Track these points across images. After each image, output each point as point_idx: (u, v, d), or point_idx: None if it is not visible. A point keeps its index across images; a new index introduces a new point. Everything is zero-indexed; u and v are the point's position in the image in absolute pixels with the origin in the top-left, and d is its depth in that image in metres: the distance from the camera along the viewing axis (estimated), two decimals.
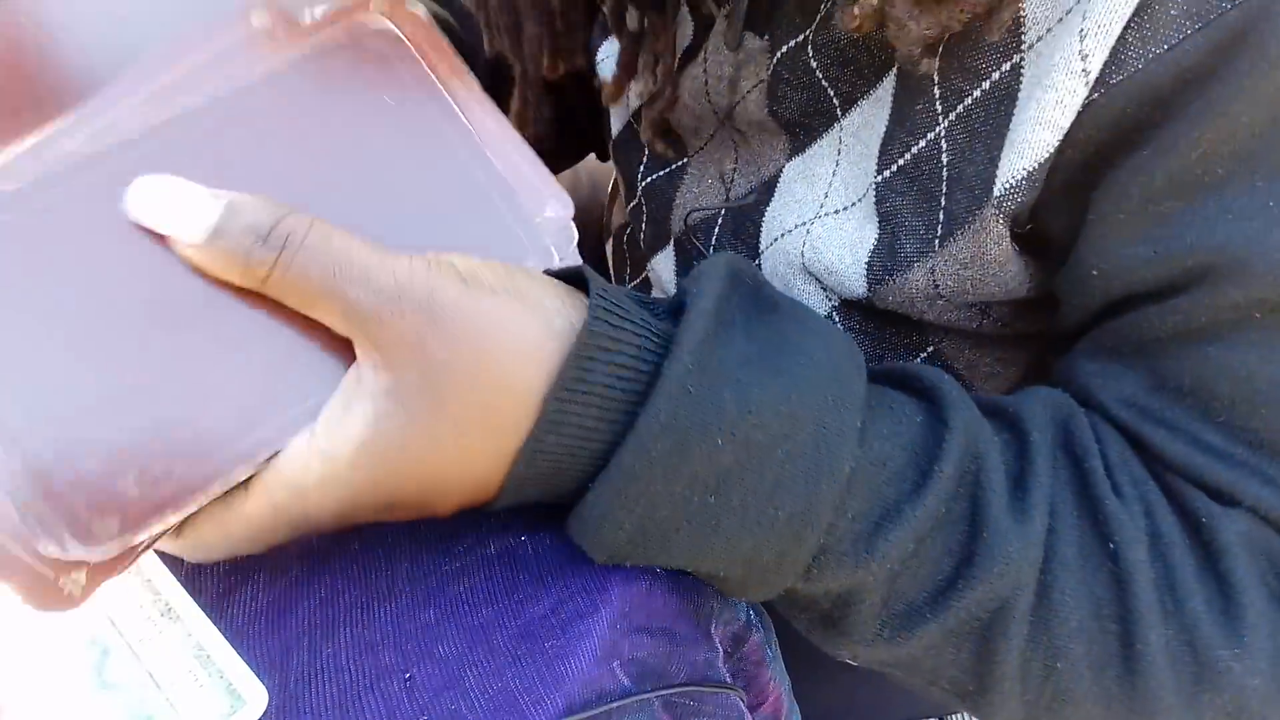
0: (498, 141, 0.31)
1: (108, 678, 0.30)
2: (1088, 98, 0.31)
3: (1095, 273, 0.34)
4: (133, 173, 0.26)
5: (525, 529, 0.34)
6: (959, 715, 0.94)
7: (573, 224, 0.32)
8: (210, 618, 0.31)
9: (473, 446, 0.27)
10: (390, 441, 0.26)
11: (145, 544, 0.26)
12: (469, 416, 0.26)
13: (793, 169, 0.45)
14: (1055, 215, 0.35)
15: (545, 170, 0.32)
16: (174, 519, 0.26)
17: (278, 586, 0.33)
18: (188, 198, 0.25)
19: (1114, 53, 0.30)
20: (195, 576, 0.32)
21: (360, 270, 0.25)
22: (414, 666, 0.30)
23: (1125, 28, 0.30)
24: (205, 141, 0.28)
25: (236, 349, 0.26)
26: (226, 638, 0.31)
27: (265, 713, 0.30)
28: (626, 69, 0.47)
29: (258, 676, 0.30)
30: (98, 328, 0.25)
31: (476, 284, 0.26)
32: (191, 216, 0.25)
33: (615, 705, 0.31)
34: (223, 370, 0.26)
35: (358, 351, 0.26)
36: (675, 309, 0.30)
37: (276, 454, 0.27)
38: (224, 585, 0.33)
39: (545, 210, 0.31)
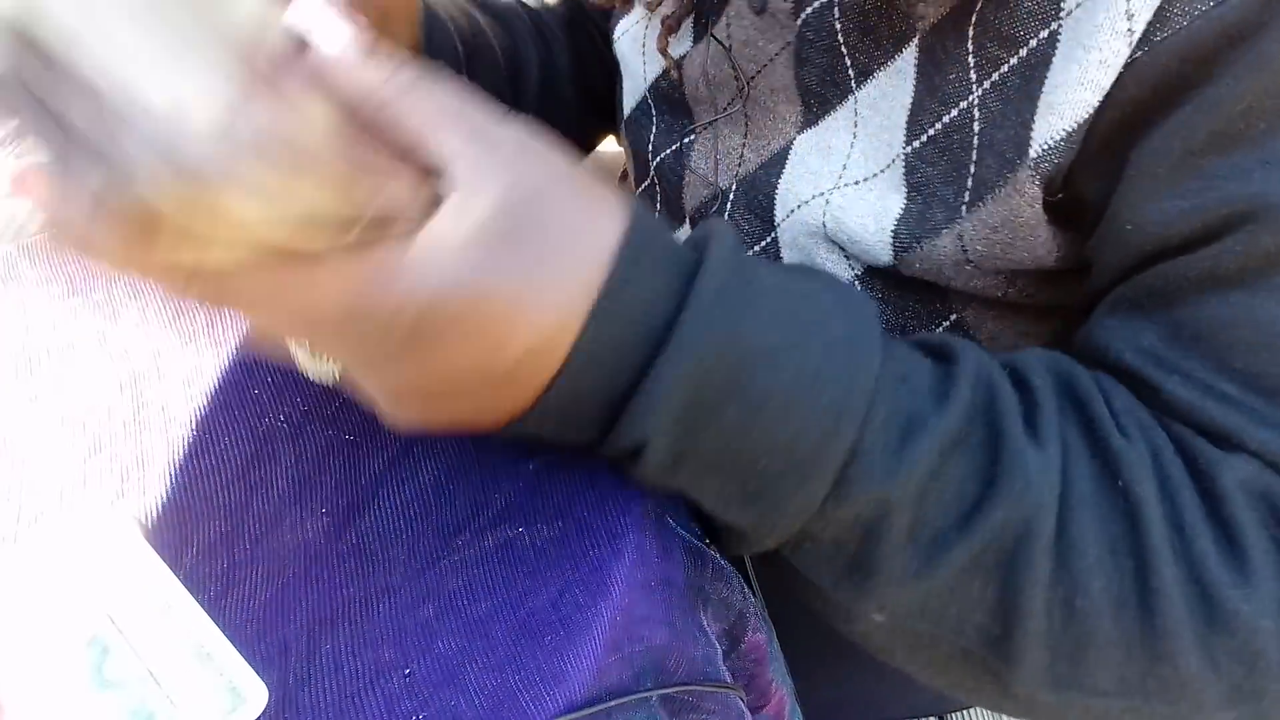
0: None
1: (108, 676, 0.30)
2: (1130, 56, 0.32)
3: (1130, 227, 0.34)
4: None
5: (523, 522, 0.34)
6: (958, 715, 0.94)
7: None
8: (209, 615, 0.31)
9: (542, 280, 0.27)
10: (493, 246, 0.26)
11: None
12: (543, 249, 0.27)
13: (804, 141, 0.46)
14: (1091, 177, 0.36)
15: None
16: None
17: (276, 584, 0.33)
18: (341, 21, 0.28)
19: (1158, 11, 0.31)
20: (195, 576, 0.32)
21: (481, 109, 0.27)
22: (413, 662, 0.31)
23: None
24: None
25: None
26: (226, 635, 0.31)
27: (265, 709, 0.30)
28: None
29: (257, 674, 0.30)
30: None
31: (556, 153, 0.29)
32: (342, 33, 0.27)
33: (615, 704, 0.32)
34: None
35: (460, 177, 0.26)
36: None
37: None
38: (223, 584, 0.33)
39: None
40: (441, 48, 0.56)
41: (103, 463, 0.36)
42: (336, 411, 0.38)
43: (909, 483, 0.29)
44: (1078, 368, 0.34)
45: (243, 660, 0.30)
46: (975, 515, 0.30)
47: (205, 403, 0.38)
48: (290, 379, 0.39)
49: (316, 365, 0.32)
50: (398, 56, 0.27)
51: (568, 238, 0.27)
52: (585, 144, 0.74)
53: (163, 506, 0.35)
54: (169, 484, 0.36)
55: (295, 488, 0.35)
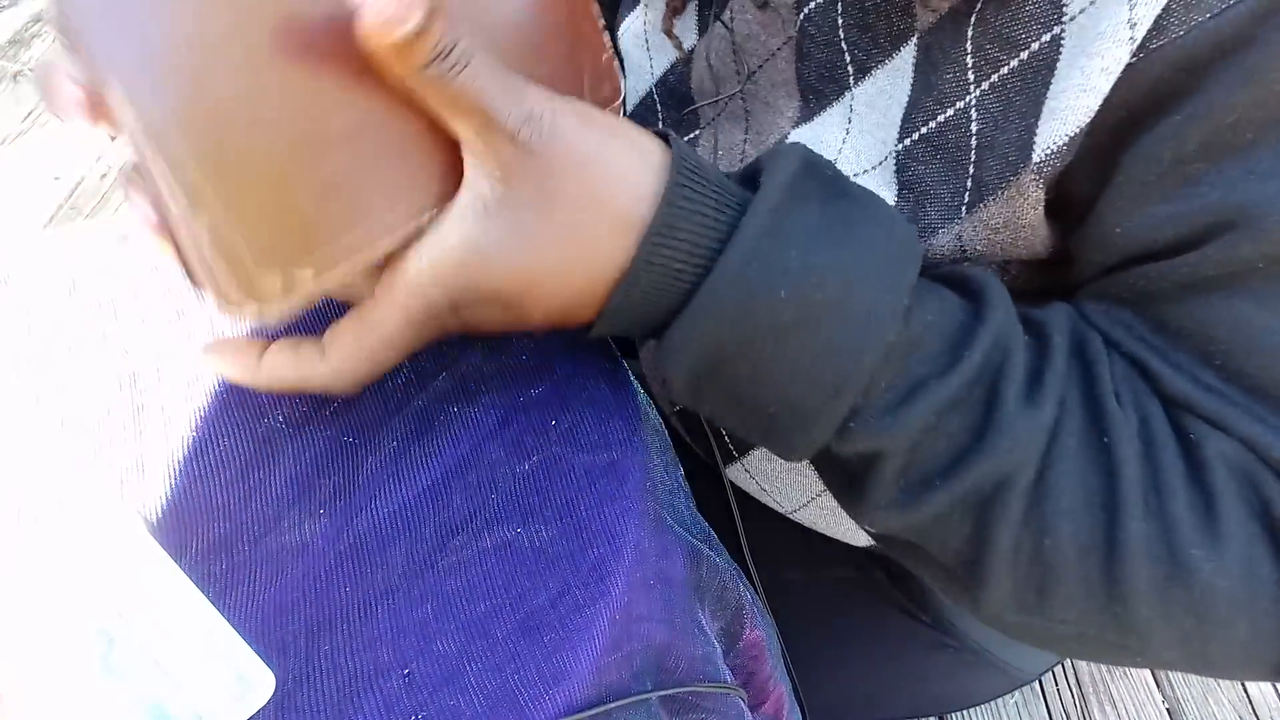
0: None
1: (114, 665, 0.30)
2: (1128, 63, 0.32)
3: (1118, 230, 0.35)
4: None
5: (521, 521, 0.34)
6: (959, 715, 0.94)
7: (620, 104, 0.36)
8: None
9: (570, 260, 0.30)
10: (497, 244, 0.30)
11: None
12: (572, 231, 0.30)
13: (799, 136, 0.46)
14: (1079, 178, 0.36)
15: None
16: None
17: (275, 585, 0.33)
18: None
19: (1157, 20, 0.31)
20: (194, 577, 0.32)
21: (513, 90, 0.28)
22: (412, 662, 0.31)
23: None
24: None
25: (367, 142, 0.29)
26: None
27: (263, 710, 0.30)
28: None
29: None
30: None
31: (590, 121, 0.30)
32: (402, 13, 0.27)
33: (615, 705, 0.32)
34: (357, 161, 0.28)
35: (479, 164, 0.29)
36: (747, 176, 0.33)
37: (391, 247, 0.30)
38: (222, 584, 0.33)
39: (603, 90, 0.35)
40: None
41: (103, 463, 0.36)
42: (335, 412, 0.38)
43: (901, 437, 0.32)
44: (1094, 334, 0.36)
45: (248, 648, 0.30)
46: (960, 466, 0.32)
47: (205, 404, 0.38)
48: None
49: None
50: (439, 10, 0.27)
51: (579, 230, 0.30)
52: None
53: (162, 507, 0.35)
54: (169, 485, 0.36)
55: (294, 489, 0.35)
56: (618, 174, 0.30)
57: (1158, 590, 0.31)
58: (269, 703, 0.30)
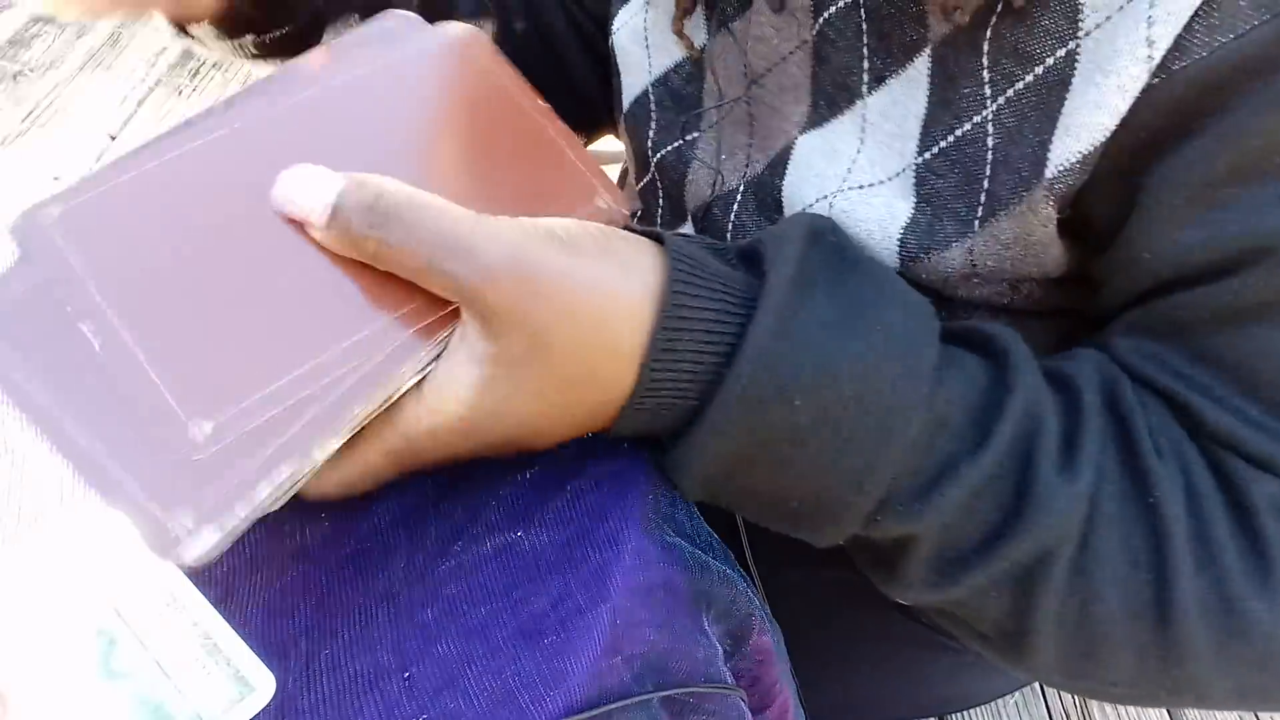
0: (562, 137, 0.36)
1: (115, 667, 0.30)
2: (1147, 83, 0.32)
3: (1147, 255, 0.35)
4: (258, 149, 0.30)
5: (522, 526, 0.34)
6: (959, 715, 0.94)
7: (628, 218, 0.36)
8: None
9: (574, 401, 0.30)
10: (494, 401, 0.28)
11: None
12: (571, 375, 0.29)
13: (808, 142, 0.46)
14: (1099, 200, 0.36)
15: (601, 171, 0.36)
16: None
17: (275, 588, 0.33)
18: (311, 179, 0.28)
19: (1178, 40, 0.31)
20: (195, 579, 0.32)
21: (464, 246, 0.27)
22: (412, 666, 0.31)
23: (1194, 15, 0.30)
24: (320, 128, 0.31)
25: (353, 309, 0.29)
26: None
27: (264, 712, 0.30)
28: None
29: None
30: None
31: (576, 249, 0.28)
32: (315, 198, 0.27)
33: (616, 706, 0.31)
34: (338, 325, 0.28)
35: (465, 318, 0.28)
36: (748, 256, 0.32)
37: (392, 399, 0.29)
38: (222, 587, 0.33)
39: (597, 201, 0.35)
40: None
41: None
42: None
43: (933, 521, 0.31)
44: (1124, 379, 0.34)
45: (250, 650, 0.30)
46: (997, 542, 0.31)
47: None
48: None
49: None
50: (373, 189, 0.27)
51: (578, 370, 0.29)
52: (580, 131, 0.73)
53: None
54: None
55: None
56: (610, 308, 0.29)
57: (1216, 648, 0.30)
58: (269, 705, 0.30)
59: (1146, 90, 0.32)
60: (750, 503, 0.33)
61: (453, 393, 0.28)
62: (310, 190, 0.28)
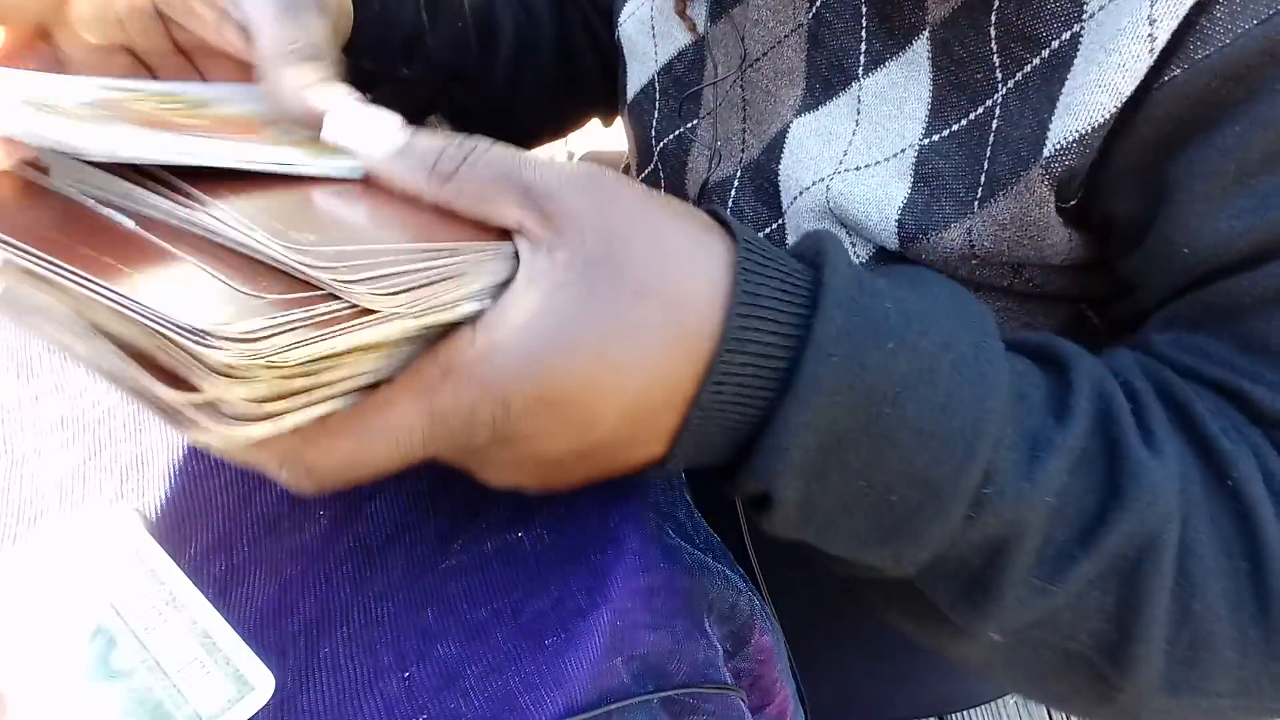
0: None
1: (114, 666, 0.30)
2: (1169, 74, 0.32)
3: (1186, 250, 0.34)
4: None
5: (522, 526, 0.34)
6: (959, 715, 0.94)
7: None
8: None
9: (650, 322, 0.25)
10: (560, 311, 0.24)
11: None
12: (648, 286, 0.25)
13: (802, 125, 0.46)
14: (1122, 195, 0.36)
15: None
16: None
17: (275, 587, 0.33)
18: (380, 122, 0.28)
19: (1198, 27, 0.31)
20: (193, 578, 0.32)
21: (541, 159, 0.26)
22: (412, 665, 0.30)
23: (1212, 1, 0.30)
24: None
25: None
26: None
27: (263, 711, 0.30)
28: None
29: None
30: None
31: (647, 190, 0.27)
32: (383, 138, 0.27)
33: (616, 707, 0.31)
34: None
35: (530, 240, 0.25)
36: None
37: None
38: (221, 585, 0.33)
39: None
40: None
41: (103, 463, 0.36)
42: None
43: (1040, 503, 0.28)
44: (1166, 370, 0.33)
45: (249, 649, 0.30)
46: (1099, 530, 0.29)
47: None
48: None
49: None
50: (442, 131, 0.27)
51: (659, 295, 0.25)
52: (562, 121, 0.71)
53: (162, 507, 0.35)
54: (168, 485, 0.36)
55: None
56: (690, 230, 0.27)
57: None
58: (269, 704, 0.30)
59: (1168, 83, 0.32)
60: (845, 509, 0.29)
61: (513, 301, 0.25)
62: (375, 130, 0.28)
